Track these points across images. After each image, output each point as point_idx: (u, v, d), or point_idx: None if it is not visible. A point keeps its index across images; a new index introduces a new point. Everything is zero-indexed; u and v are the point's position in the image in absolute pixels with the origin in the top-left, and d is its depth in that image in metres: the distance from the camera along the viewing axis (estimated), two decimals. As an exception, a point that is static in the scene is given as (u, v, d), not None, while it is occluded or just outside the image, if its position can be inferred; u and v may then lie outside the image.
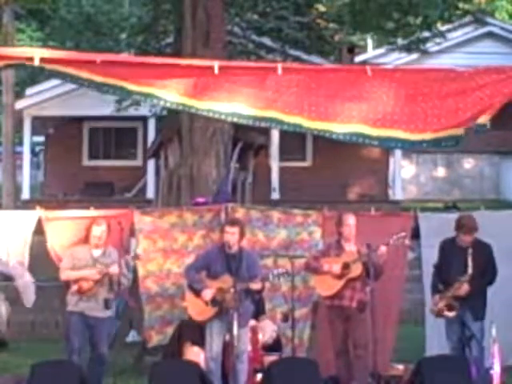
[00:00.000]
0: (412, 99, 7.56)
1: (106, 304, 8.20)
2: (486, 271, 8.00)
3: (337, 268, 8.07)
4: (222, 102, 7.55)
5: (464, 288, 7.90)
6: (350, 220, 8.25)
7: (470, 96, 7.48)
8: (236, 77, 7.62)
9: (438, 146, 7.68)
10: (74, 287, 8.17)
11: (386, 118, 7.52)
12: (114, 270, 8.13)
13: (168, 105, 7.75)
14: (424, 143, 7.51)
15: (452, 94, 7.52)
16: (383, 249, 7.95)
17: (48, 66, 7.61)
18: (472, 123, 7.22)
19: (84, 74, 7.56)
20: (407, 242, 8.15)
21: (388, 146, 8.13)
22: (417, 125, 7.47)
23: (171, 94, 7.58)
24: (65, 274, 8.31)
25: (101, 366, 8.15)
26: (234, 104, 7.53)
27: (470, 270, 7.87)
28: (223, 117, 7.75)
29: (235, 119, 7.68)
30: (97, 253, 8.30)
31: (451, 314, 7.95)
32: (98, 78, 7.58)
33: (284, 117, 7.56)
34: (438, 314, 8.08)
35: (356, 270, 8.00)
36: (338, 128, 7.51)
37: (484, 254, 7.99)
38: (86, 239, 8.37)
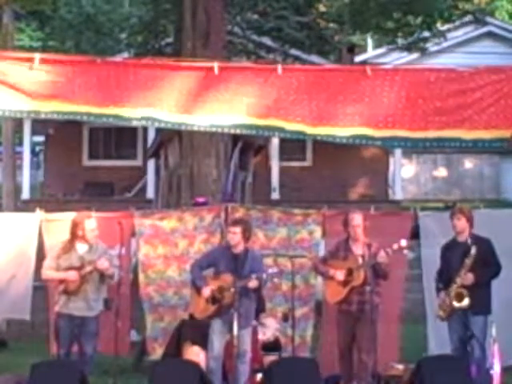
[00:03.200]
0: (413, 102, 7.59)
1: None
2: (488, 264, 7.92)
3: (340, 275, 7.98)
4: (223, 115, 7.53)
5: (469, 277, 7.77)
6: (356, 221, 8.09)
7: (471, 96, 7.54)
8: (236, 85, 7.60)
9: (442, 146, 7.71)
10: (61, 287, 8.05)
11: (388, 120, 7.55)
12: (101, 264, 7.94)
13: (169, 126, 7.72)
14: (427, 142, 7.54)
15: (452, 94, 7.56)
16: (383, 255, 7.87)
17: (44, 109, 7.61)
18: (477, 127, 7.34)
19: (82, 108, 7.54)
20: (405, 252, 8.04)
21: (391, 145, 8.17)
22: (419, 124, 7.50)
23: (171, 113, 7.53)
24: (45, 274, 8.18)
25: (86, 365, 8.02)
26: (234, 115, 7.52)
27: (467, 261, 7.79)
28: (226, 130, 7.76)
29: (238, 131, 7.69)
30: (83, 249, 8.10)
31: (463, 304, 7.73)
32: (95, 110, 7.56)
33: (286, 124, 7.56)
34: (448, 314, 7.91)
35: (358, 278, 7.91)
36: (341, 132, 7.54)
37: (483, 248, 7.94)
38: (73, 239, 8.13)
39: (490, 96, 7.53)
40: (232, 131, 7.76)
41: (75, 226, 8.13)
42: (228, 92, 7.56)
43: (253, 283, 7.87)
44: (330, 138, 7.57)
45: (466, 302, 7.76)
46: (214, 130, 7.77)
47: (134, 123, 7.72)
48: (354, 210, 8.33)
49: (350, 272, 7.97)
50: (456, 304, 7.79)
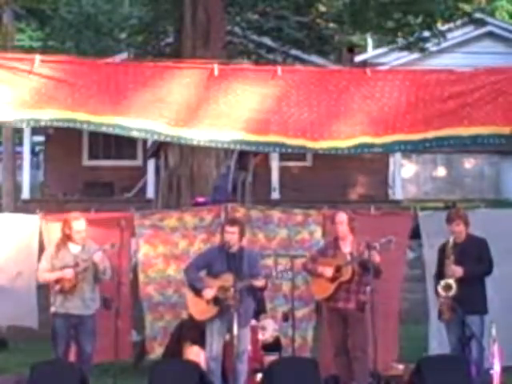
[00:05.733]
0: (413, 106, 7.64)
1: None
2: (481, 261, 7.96)
3: (329, 271, 8.03)
4: (223, 131, 7.53)
5: (457, 269, 7.82)
6: (339, 218, 8.16)
7: (471, 96, 7.57)
8: (235, 97, 7.59)
9: (441, 145, 7.73)
10: (57, 287, 8.05)
11: (388, 126, 7.58)
12: (97, 256, 7.95)
13: (168, 139, 7.72)
14: (427, 142, 7.57)
15: (452, 96, 7.59)
16: (373, 252, 7.88)
17: (45, 117, 7.57)
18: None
19: (81, 116, 7.53)
20: (393, 247, 8.07)
21: (392, 150, 8.18)
22: (418, 128, 7.54)
23: (170, 127, 7.53)
24: (42, 276, 8.22)
25: (85, 364, 8.02)
26: (234, 131, 7.52)
27: (452, 257, 7.86)
28: (226, 146, 7.75)
29: (238, 146, 7.70)
30: (76, 249, 8.12)
31: (449, 294, 7.77)
32: (95, 119, 7.56)
33: (287, 140, 7.58)
34: (450, 315, 7.90)
35: (346, 273, 7.96)
36: (343, 143, 7.58)
37: (476, 247, 7.99)
38: (64, 239, 8.16)
39: (488, 95, 7.58)
40: (232, 146, 7.78)
41: (63, 224, 8.21)
42: (227, 105, 7.55)
43: (260, 282, 7.88)
44: (333, 150, 7.63)
45: (452, 291, 7.78)
46: (213, 145, 7.74)
47: (135, 134, 7.68)
48: (345, 209, 8.39)
49: (338, 269, 8.02)
50: (443, 293, 7.82)
